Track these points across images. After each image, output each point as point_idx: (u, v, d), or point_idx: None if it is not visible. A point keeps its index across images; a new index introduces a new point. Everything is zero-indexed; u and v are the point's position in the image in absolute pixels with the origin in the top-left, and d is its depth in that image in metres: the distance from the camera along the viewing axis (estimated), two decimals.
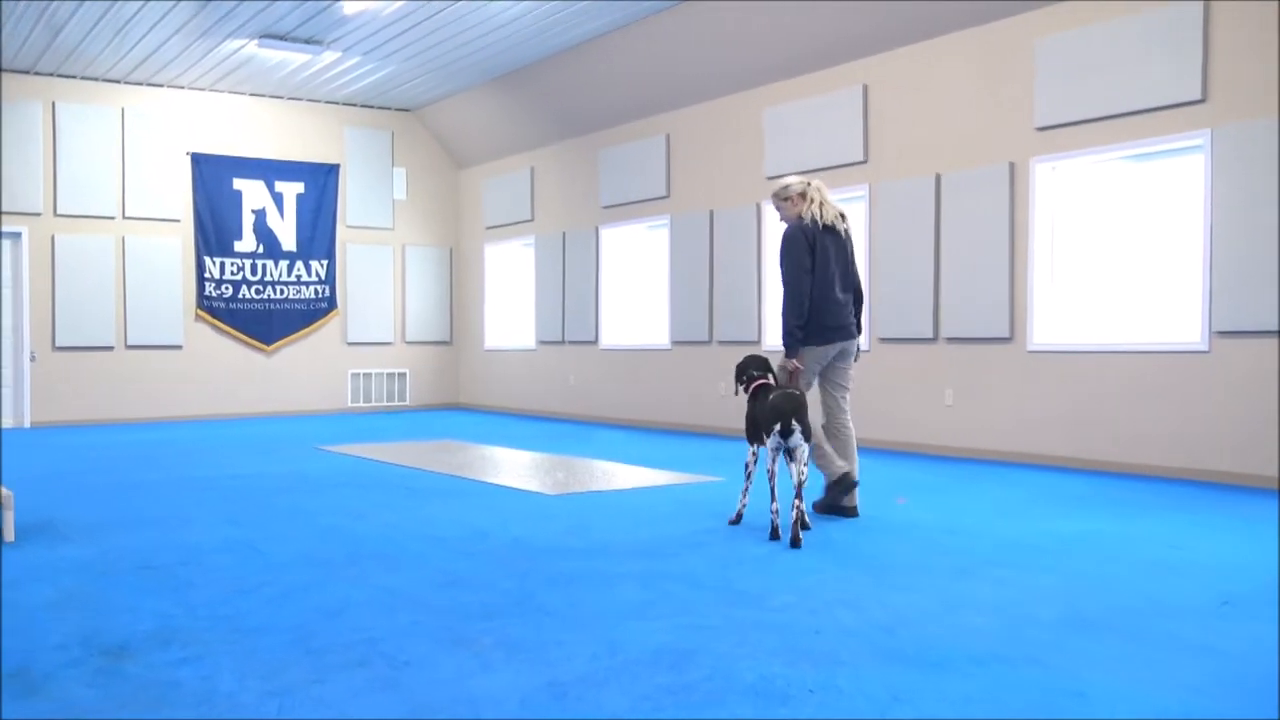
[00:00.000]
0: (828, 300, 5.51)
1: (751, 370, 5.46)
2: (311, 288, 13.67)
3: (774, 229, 10.05)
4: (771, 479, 4.99)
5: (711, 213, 10.66)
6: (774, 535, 4.92)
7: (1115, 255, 7.64)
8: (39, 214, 12.04)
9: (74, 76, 12.15)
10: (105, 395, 12.40)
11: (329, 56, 11.61)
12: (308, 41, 11.01)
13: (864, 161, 9.19)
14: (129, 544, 4.92)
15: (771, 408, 4.98)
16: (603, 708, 2.71)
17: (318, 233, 13.71)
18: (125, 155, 12.48)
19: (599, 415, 12.23)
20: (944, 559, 4.52)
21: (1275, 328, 6.56)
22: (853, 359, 5.69)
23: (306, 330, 13.68)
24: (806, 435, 4.94)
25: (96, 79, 12.29)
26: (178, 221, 12.86)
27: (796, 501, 4.82)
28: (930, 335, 8.63)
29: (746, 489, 5.34)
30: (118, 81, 12.42)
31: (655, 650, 3.18)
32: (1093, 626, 3.45)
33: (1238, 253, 6.73)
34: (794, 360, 5.45)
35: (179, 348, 12.86)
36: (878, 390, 9.08)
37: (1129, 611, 3.64)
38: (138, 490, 6.79)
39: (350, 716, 2.66)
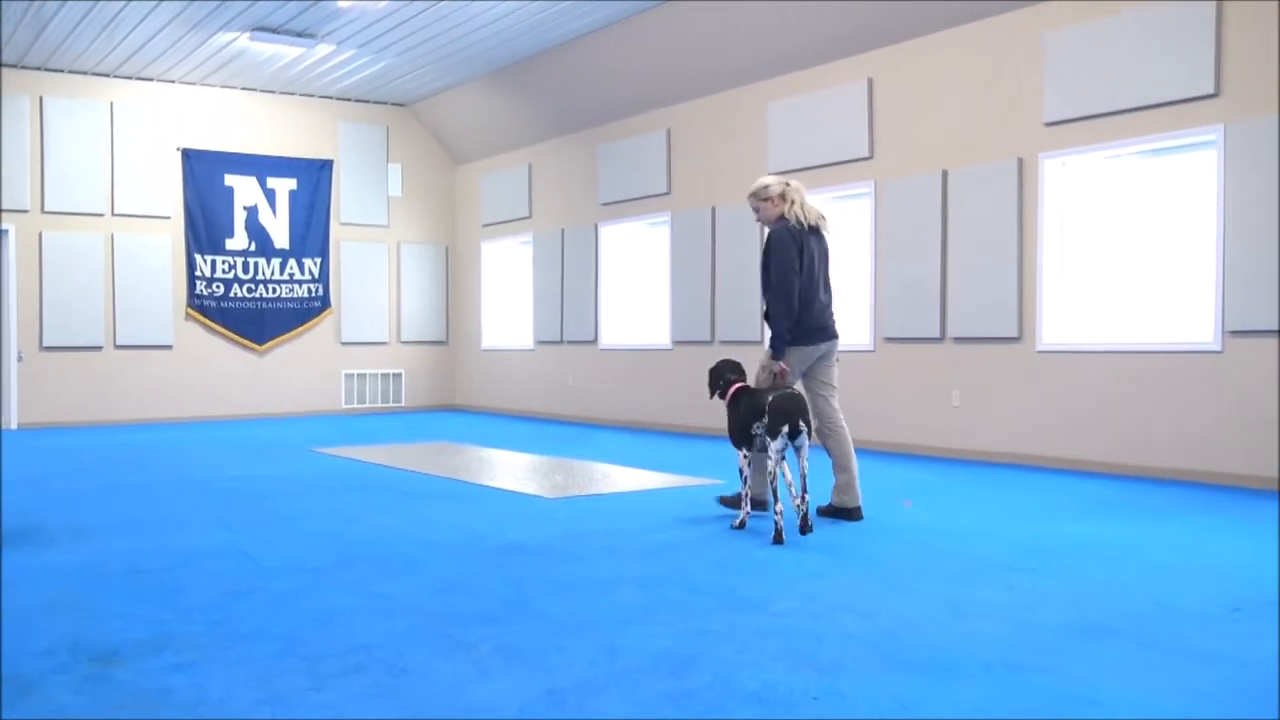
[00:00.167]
0: (813, 301, 5.61)
1: (728, 374, 5.52)
2: (305, 286, 13.68)
3: None
4: (773, 480, 5.03)
5: (713, 209, 10.67)
6: (777, 539, 4.93)
7: (1126, 253, 7.65)
8: (26, 211, 12.05)
9: (62, 70, 12.16)
10: (94, 396, 12.41)
11: (323, 50, 11.62)
12: (301, 34, 11.02)
13: (869, 158, 9.19)
14: (119, 548, 4.92)
15: (778, 409, 5.05)
16: (603, 715, 2.72)
17: (311, 230, 13.72)
18: (114, 151, 12.49)
19: (598, 417, 12.23)
20: (950, 563, 4.53)
21: None
22: (835, 360, 5.75)
23: (299, 330, 13.69)
24: (809, 434, 5.13)
25: (85, 73, 12.30)
26: (168, 219, 12.87)
27: (804, 495, 5.10)
28: (937, 335, 8.64)
29: (747, 494, 5.36)
30: (107, 75, 12.43)
31: (656, 656, 3.18)
32: (1102, 632, 3.46)
33: (1251, 250, 6.74)
34: (781, 363, 5.50)
35: (169, 347, 12.87)
36: (883, 391, 9.09)
37: (1139, 617, 3.65)
38: (128, 493, 6.80)
39: None
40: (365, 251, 14.18)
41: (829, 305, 5.71)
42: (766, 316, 5.63)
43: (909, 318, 8.84)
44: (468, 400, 14.86)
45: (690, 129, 11.06)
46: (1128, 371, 7.43)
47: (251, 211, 13.36)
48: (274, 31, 10.87)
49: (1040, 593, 3.99)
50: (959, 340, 8.52)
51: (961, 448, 8.51)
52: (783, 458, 5.06)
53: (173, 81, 12.82)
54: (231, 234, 13.24)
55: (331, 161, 13.88)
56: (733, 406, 5.40)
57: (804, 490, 5.15)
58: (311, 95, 13.71)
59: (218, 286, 13.14)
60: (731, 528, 5.33)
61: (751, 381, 5.64)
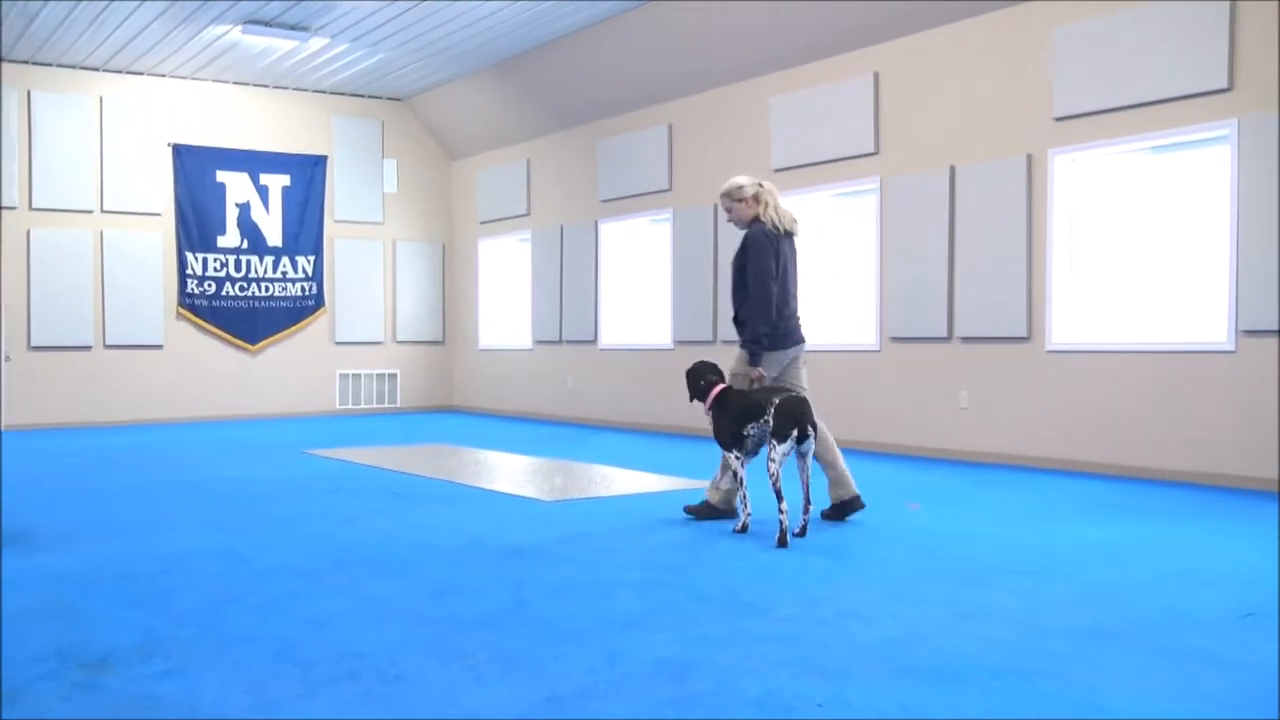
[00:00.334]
0: (788, 306, 5.66)
1: (708, 375, 5.53)
2: (298, 285, 13.69)
3: None
4: (775, 482, 5.05)
5: (716, 206, 10.67)
6: (782, 543, 4.95)
7: (1137, 251, 7.65)
8: (13, 207, 12.05)
9: (50, 64, 12.17)
10: (83, 397, 12.41)
11: (316, 43, 11.63)
12: (294, 27, 11.02)
13: (875, 153, 9.20)
14: (108, 552, 4.93)
15: (785, 412, 5.08)
16: None
17: (304, 227, 13.73)
18: (104, 146, 12.49)
19: (598, 418, 12.24)
20: (957, 567, 4.53)
21: None
22: (803, 363, 5.81)
23: (293, 329, 13.69)
24: (815, 436, 5.19)
25: (73, 66, 12.30)
26: (158, 215, 12.88)
27: (808, 504, 5.18)
28: (944, 334, 8.64)
29: (745, 496, 5.37)
30: (96, 69, 12.44)
31: (657, 662, 3.19)
32: (1112, 638, 3.46)
33: (1266, 248, 6.73)
34: (759, 368, 5.54)
35: (159, 347, 12.88)
36: (889, 392, 9.09)
37: (1149, 623, 3.65)
38: (117, 496, 6.80)
39: None
40: (360, 249, 14.19)
41: (797, 310, 5.77)
42: (739, 321, 5.65)
43: (915, 317, 8.84)
44: (464, 401, 14.87)
45: (692, 124, 11.07)
46: (1139, 372, 7.43)
47: (244, 208, 13.37)
48: (267, 24, 10.88)
49: (1049, 598, 4.00)
50: (966, 340, 8.52)
51: (969, 449, 8.51)
52: (784, 460, 5.07)
53: (163, 75, 12.83)
54: (223, 231, 13.24)
55: (325, 157, 13.89)
56: (719, 409, 5.40)
57: (807, 500, 5.20)
58: (305, 90, 13.72)
59: (209, 285, 13.15)
60: (733, 531, 5.33)
61: None
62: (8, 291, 12.01)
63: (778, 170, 10.00)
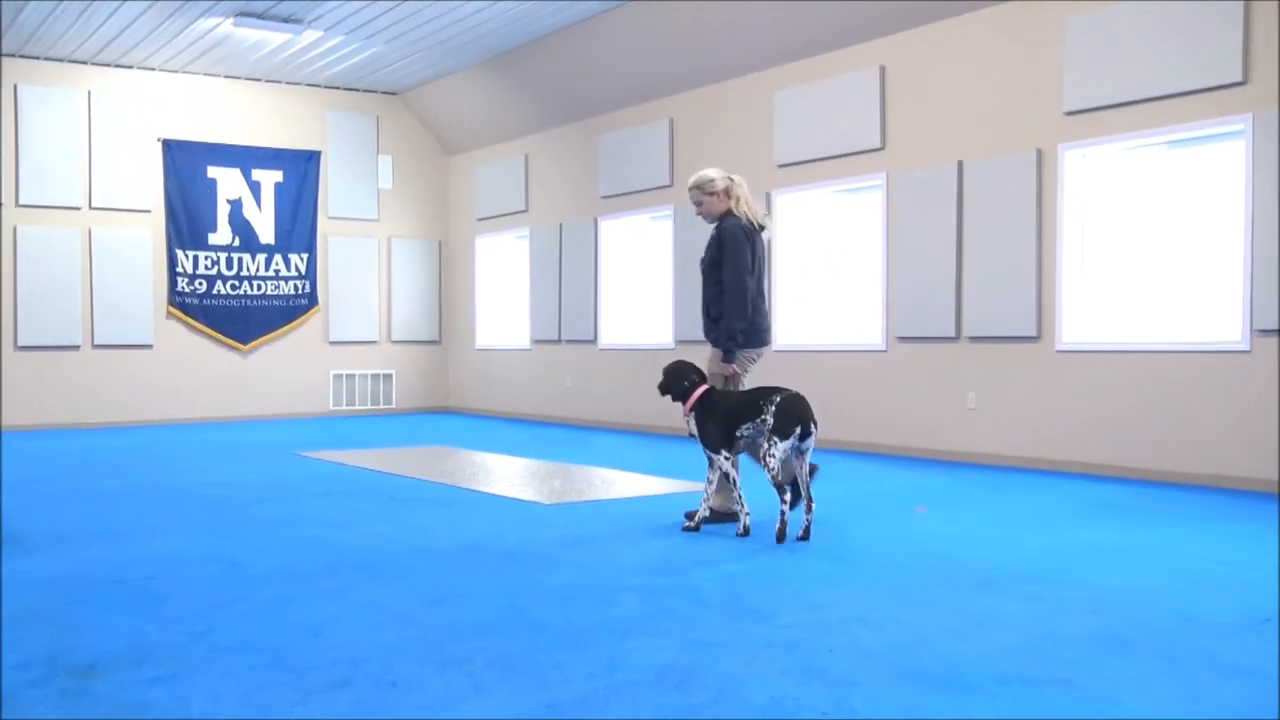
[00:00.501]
0: (759, 302, 5.69)
1: (691, 375, 5.54)
2: (291, 283, 13.70)
3: (785, 222, 10.07)
4: (776, 478, 5.11)
5: None
6: (780, 538, 5.06)
7: (1150, 248, 7.65)
8: None
9: (37, 57, 12.18)
10: (71, 398, 12.42)
11: (310, 36, 11.63)
12: (287, 20, 11.03)
13: (881, 148, 9.20)
14: (98, 556, 4.93)
15: (788, 411, 5.14)
16: None
17: (297, 224, 13.73)
18: (92, 141, 12.50)
19: (598, 419, 12.24)
20: (965, 572, 4.53)
21: None
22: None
23: (285, 328, 13.70)
24: (815, 435, 5.28)
25: (61, 60, 12.31)
26: (148, 212, 12.88)
27: (810, 503, 5.22)
28: (952, 334, 8.64)
29: (740, 498, 5.40)
30: (84, 63, 12.44)
31: (658, 669, 3.19)
32: (1124, 645, 3.46)
33: None
34: (733, 365, 5.56)
35: (149, 347, 12.88)
36: (896, 393, 9.10)
37: (1163, 629, 3.65)
38: (106, 499, 6.81)
39: None
40: (354, 247, 14.19)
41: (765, 308, 5.81)
42: (712, 318, 5.64)
43: (922, 316, 8.84)
44: (461, 402, 14.87)
45: (694, 119, 11.07)
46: (1151, 372, 7.43)
47: (235, 205, 13.37)
48: (259, 17, 10.88)
49: (1058, 603, 4.00)
50: (975, 340, 8.52)
51: (978, 451, 8.51)
52: (784, 458, 5.14)
53: (153, 69, 12.84)
54: (214, 228, 13.25)
55: (319, 152, 13.89)
56: (704, 410, 5.41)
57: (809, 499, 5.24)
58: (298, 83, 13.72)
59: (200, 283, 13.15)
60: (736, 535, 5.34)
61: None
62: None
63: (781, 166, 10.01)
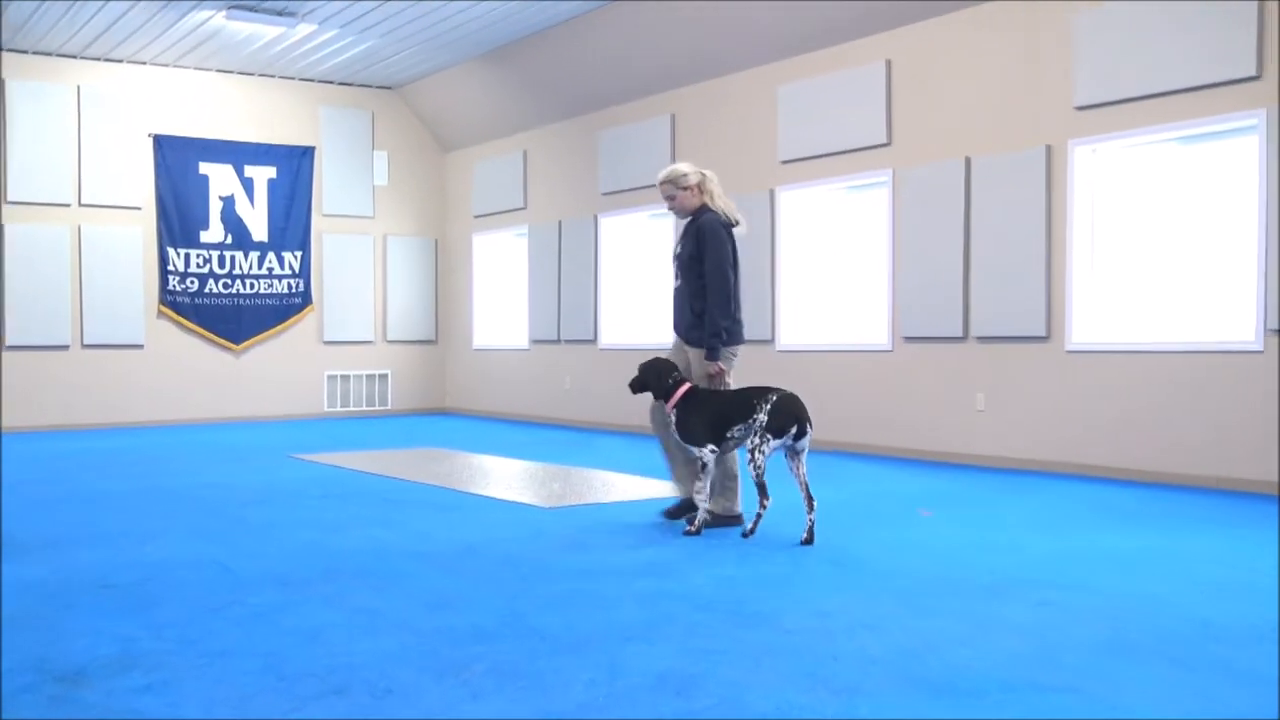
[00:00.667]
0: (740, 299, 5.73)
1: (675, 374, 5.57)
2: (284, 282, 13.70)
3: (788, 219, 10.07)
4: (761, 474, 5.18)
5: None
6: (749, 534, 5.27)
7: (1161, 246, 7.65)
8: None
9: (25, 51, 12.18)
10: (60, 399, 12.42)
11: (304, 29, 11.64)
12: (280, 13, 11.03)
13: (887, 144, 9.20)
14: (87, 560, 4.93)
15: (783, 409, 5.18)
16: None
17: (291, 222, 13.74)
18: (81, 137, 12.50)
19: (598, 421, 12.24)
20: (973, 577, 4.53)
21: None
22: None
23: (279, 328, 13.70)
24: (810, 435, 5.30)
25: (49, 54, 12.31)
26: (138, 209, 12.89)
27: (812, 501, 5.24)
28: (959, 334, 8.64)
29: (706, 489, 5.41)
30: (73, 57, 12.45)
31: (660, 676, 3.19)
32: (1134, 651, 3.46)
33: None
34: (719, 363, 5.57)
35: (140, 347, 12.89)
36: (902, 394, 9.09)
37: (1174, 635, 3.65)
38: (96, 502, 6.81)
39: None
40: (349, 244, 14.20)
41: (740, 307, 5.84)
42: (695, 314, 5.64)
43: (929, 315, 8.84)
44: (458, 403, 14.88)
45: (696, 114, 11.07)
46: (1163, 372, 7.43)
47: (228, 202, 13.38)
48: (251, 10, 10.88)
49: (1070, 609, 4.00)
50: (983, 340, 8.52)
51: (986, 454, 8.51)
52: (769, 456, 5.20)
53: (144, 63, 12.84)
54: (206, 226, 13.26)
55: (313, 148, 13.90)
56: (689, 407, 5.43)
57: (810, 499, 5.25)
58: (292, 78, 13.73)
59: (192, 282, 13.16)
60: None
61: None
62: None
63: (785, 162, 10.01)
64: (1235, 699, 3.02)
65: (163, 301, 12.99)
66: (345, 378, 14.23)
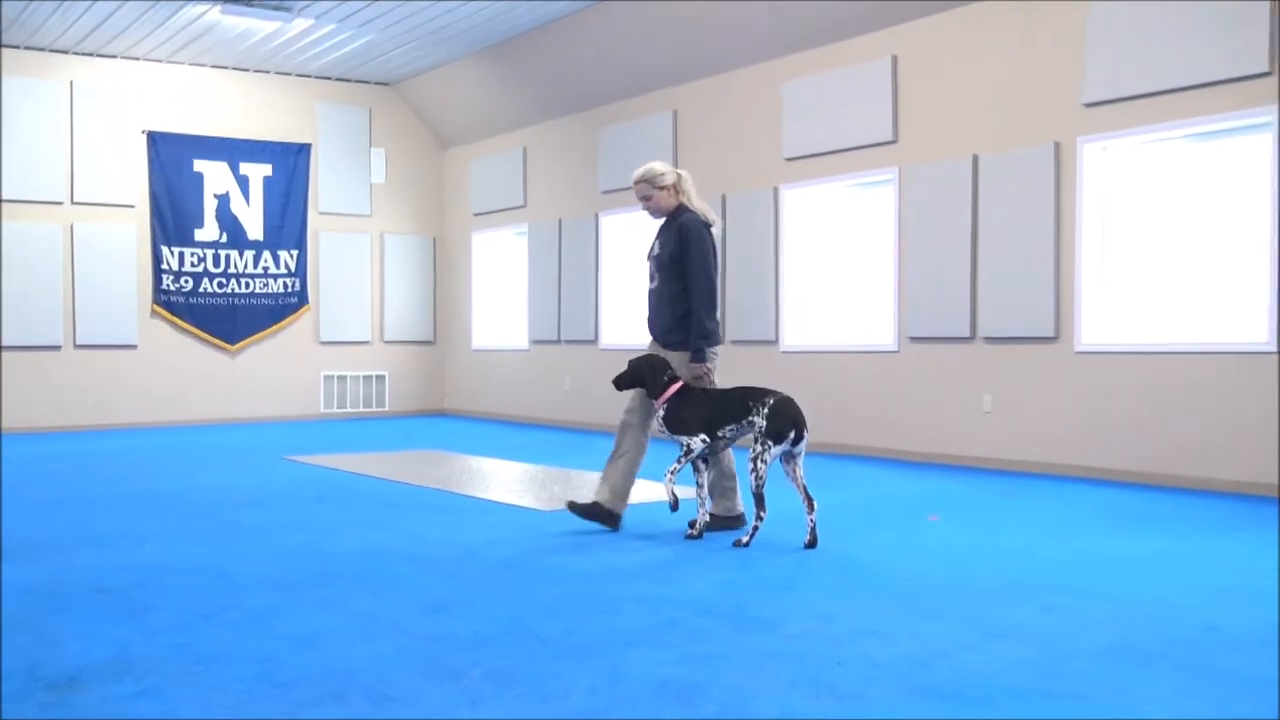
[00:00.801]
0: (717, 300, 5.72)
1: (669, 370, 5.57)
2: (280, 281, 13.71)
3: (791, 217, 10.07)
4: (761, 482, 5.18)
5: (724, 197, 10.67)
6: (745, 544, 5.23)
7: (1173, 245, 7.65)
8: None
9: (16, 46, 12.19)
10: (52, 399, 12.43)
11: (300, 24, 11.65)
12: (276, 8, 11.04)
13: (893, 141, 9.20)
14: (80, 564, 4.94)
15: (781, 413, 5.20)
16: None
17: (287, 220, 13.75)
18: (74, 134, 12.51)
19: (598, 422, 12.24)
20: (980, 582, 4.53)
21: None
22: None
23: (275, 328, 13.71)
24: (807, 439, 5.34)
25: (41, 49, 12.33)
26: (132, 207, 12.90)
27: (812, 502, 5.26)
28: (967, 334, 8.64)
29: (674, 476, 5.41)
30: (65, 52, 12.46)
31: (661, 682, 3.19)
32: (1144, 657, 3.46)
33: None
34: (705, 365, 5.58)
35: (133, 347, 12.90)
36: (908, 395, 9.09)
37: (1184, 641, 3.65)
38: (89, 505, 6.81)
39: None
40: (346, 243, 14.21)
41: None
42: (677, 316, 5.64)
43: (936, 316, 8.84)
44: (457, 405, 14.88)
45: (699, 111, 11.08)
46: (1173, 374, 7.43)
47: (222, 200, 13.39)
48: (247, 4, 10.89)
49: (1077, 614, 4.00)
50: (990, 340, 8.52)
51: (993, 456, 8.51)
52: (770, 461, 5.21)
53: (137, 59, 12.85)
54: (201, 224, 13.26)
55: (309, 145, 13.91)
56: (682, 404, 5.44)
57: (809, 500, 5.26)
58: (288, 74, 13.74)
59: (186, 281, 13.17)
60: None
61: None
62: None
63: (789, 160, 10.01)
64: (1247, 705, 3.02)
65: (156, 301, 13.00)
66: (342, 379, 14.23)
